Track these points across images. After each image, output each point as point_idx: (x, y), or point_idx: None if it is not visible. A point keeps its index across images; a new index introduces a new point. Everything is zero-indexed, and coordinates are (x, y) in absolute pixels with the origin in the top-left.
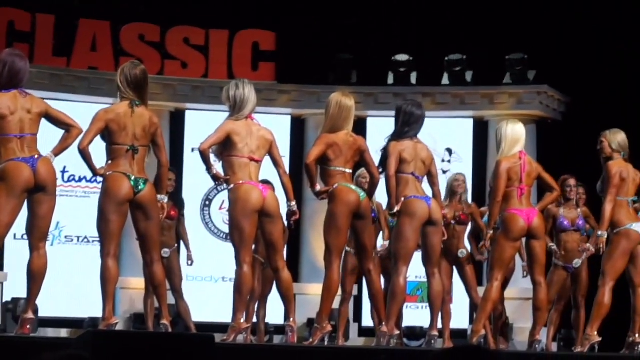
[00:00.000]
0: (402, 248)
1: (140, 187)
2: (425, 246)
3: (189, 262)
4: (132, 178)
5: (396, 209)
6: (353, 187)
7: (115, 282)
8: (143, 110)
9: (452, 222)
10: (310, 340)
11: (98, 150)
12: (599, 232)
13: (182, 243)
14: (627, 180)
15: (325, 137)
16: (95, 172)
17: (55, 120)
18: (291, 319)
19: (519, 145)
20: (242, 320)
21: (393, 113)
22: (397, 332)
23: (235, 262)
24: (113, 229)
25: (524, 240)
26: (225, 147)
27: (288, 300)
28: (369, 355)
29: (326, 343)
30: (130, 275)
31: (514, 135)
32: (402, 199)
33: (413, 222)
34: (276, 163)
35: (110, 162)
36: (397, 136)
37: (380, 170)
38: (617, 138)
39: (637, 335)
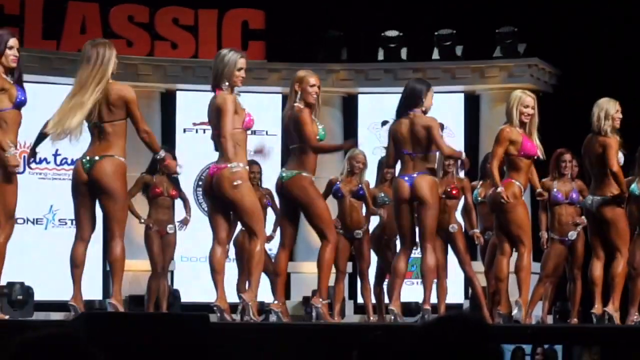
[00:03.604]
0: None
1: (87, 167)
2: (417, 222)
3: (183, 226)
4: (86, 159)
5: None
6: None
7: (79, 265)
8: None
9: (443, 196)
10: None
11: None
12: None
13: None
14: None
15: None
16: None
17: None
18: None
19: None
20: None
21: (383, 89)
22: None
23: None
24: (77, 213)
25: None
26: None
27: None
28: (365, 332)
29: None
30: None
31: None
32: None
33: (396, 203)
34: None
35: None
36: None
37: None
38: None
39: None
